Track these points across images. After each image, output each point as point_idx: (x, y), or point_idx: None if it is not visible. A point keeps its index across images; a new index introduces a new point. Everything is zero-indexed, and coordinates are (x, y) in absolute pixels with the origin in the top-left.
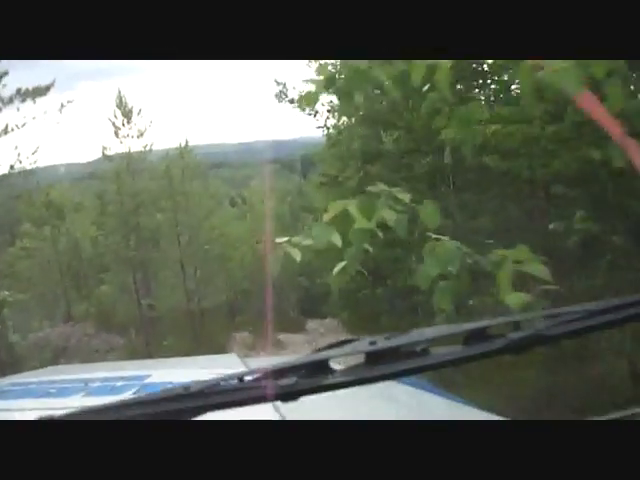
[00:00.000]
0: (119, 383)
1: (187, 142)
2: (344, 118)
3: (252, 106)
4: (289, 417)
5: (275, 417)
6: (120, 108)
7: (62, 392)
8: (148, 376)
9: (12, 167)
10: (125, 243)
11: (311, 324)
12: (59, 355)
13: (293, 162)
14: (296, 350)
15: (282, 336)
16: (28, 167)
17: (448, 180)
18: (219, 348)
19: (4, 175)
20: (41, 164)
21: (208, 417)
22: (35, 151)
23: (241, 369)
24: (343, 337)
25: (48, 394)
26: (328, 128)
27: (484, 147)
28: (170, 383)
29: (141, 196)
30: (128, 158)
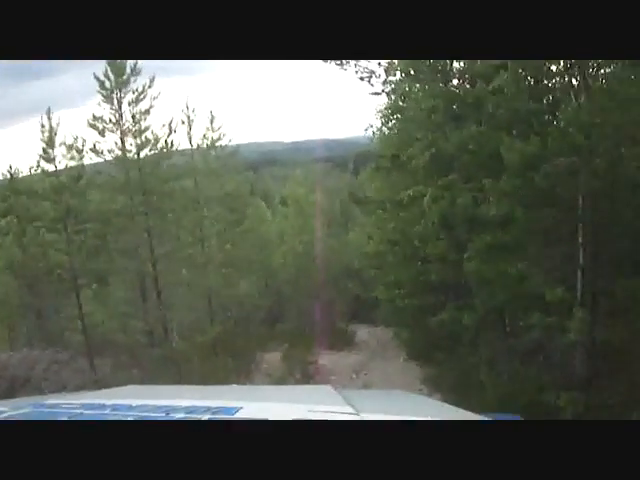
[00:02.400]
0: (205, 417)
1: (212, 121)
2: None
3: (306, 106)
4: None
5: None
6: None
7: None
8: (238, 409)
9: None
10: (69, 245)
11: (361, 334)
12: (17, 388)
13: (345, 160)
14: (341, 380)
15: (325, 358)
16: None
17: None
18: (239, 377)
19: None
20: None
21: None
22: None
23: (337, 403)
24: (400, 356)
25: None
26: (387, 94)
27: None
28: (263, 421)
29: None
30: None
